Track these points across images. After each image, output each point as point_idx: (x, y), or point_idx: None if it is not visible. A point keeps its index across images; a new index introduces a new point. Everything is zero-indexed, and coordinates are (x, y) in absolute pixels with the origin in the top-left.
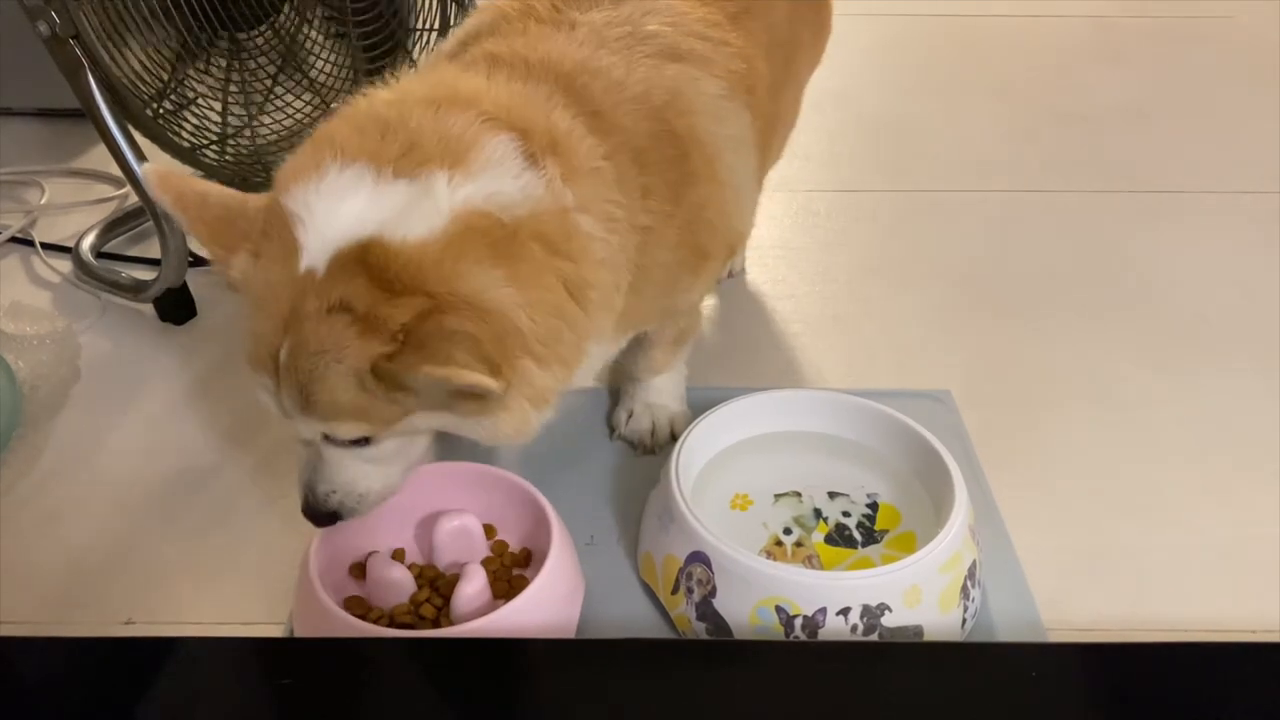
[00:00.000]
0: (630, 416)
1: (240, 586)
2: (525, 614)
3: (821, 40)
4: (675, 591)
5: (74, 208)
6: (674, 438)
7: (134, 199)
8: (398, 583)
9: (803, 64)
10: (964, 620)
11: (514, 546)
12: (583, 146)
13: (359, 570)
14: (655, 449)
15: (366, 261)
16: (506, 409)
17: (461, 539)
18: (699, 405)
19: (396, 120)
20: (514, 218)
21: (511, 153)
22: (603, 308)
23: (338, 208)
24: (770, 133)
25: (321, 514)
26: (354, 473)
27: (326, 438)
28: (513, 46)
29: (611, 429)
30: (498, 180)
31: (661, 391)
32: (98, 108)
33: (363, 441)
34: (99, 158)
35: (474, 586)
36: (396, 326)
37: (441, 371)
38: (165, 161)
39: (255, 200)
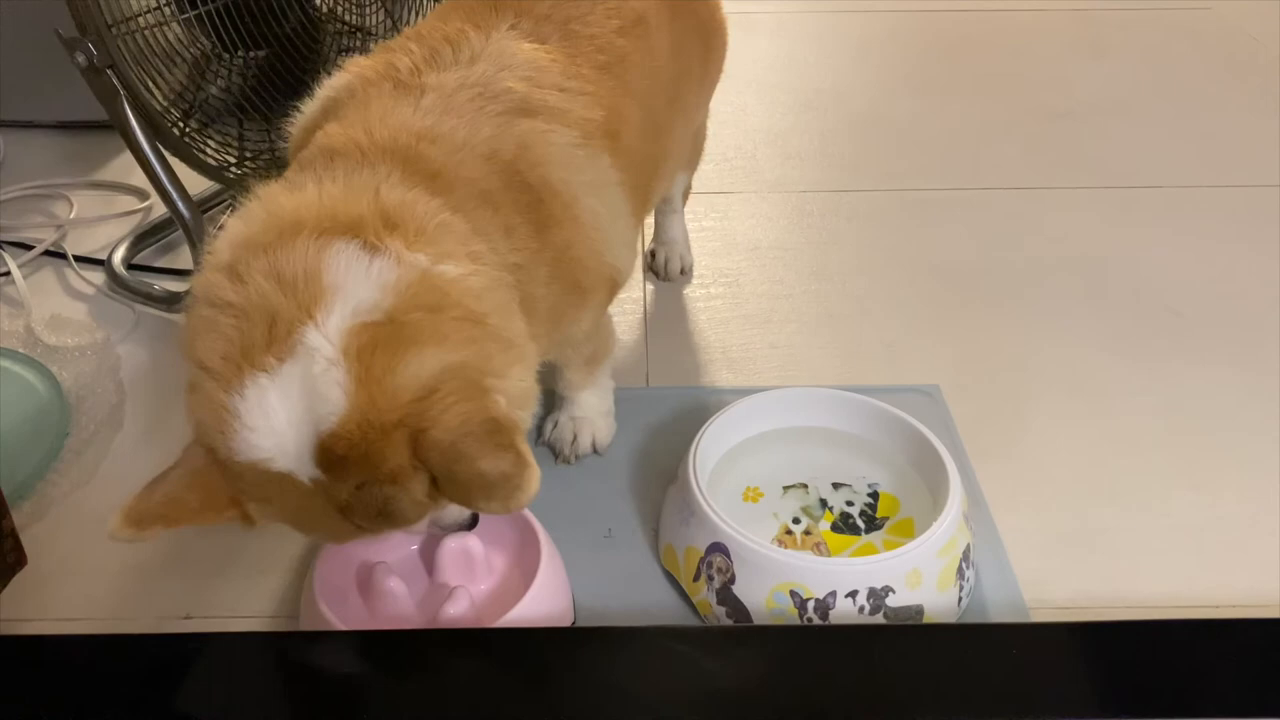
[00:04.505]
0: (555, 426)
1: (286, 581)
2: (530, 608)
3: (715, 62)
4: (697, 579)
5: (101, 220)
6: (595, 449)
7: (159, 210)
8: (391, 592)
9: (692, 92)
10: (960, 599)
11: (502, 553)
12: (420, 210)
13: (364, 581)
14: (573, 458)
15: (334, 450)
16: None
17: (462, 559)
18: (708, 406)
19: (244, 303)
20: (383, 311)
21: (353, 256)
22: (511, 317)
23: (274, 429)
24: (651, 169)
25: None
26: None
27: None
28: (349, 132)
29: (539, 433)
30: (353, 292)
31: (585, 406)
32: (134, 132)
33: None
34: (120, 169)
35: (458, 609)
36: (405, 464)
37: (492, 461)
38: (193, 179)
39: (192, 461)
